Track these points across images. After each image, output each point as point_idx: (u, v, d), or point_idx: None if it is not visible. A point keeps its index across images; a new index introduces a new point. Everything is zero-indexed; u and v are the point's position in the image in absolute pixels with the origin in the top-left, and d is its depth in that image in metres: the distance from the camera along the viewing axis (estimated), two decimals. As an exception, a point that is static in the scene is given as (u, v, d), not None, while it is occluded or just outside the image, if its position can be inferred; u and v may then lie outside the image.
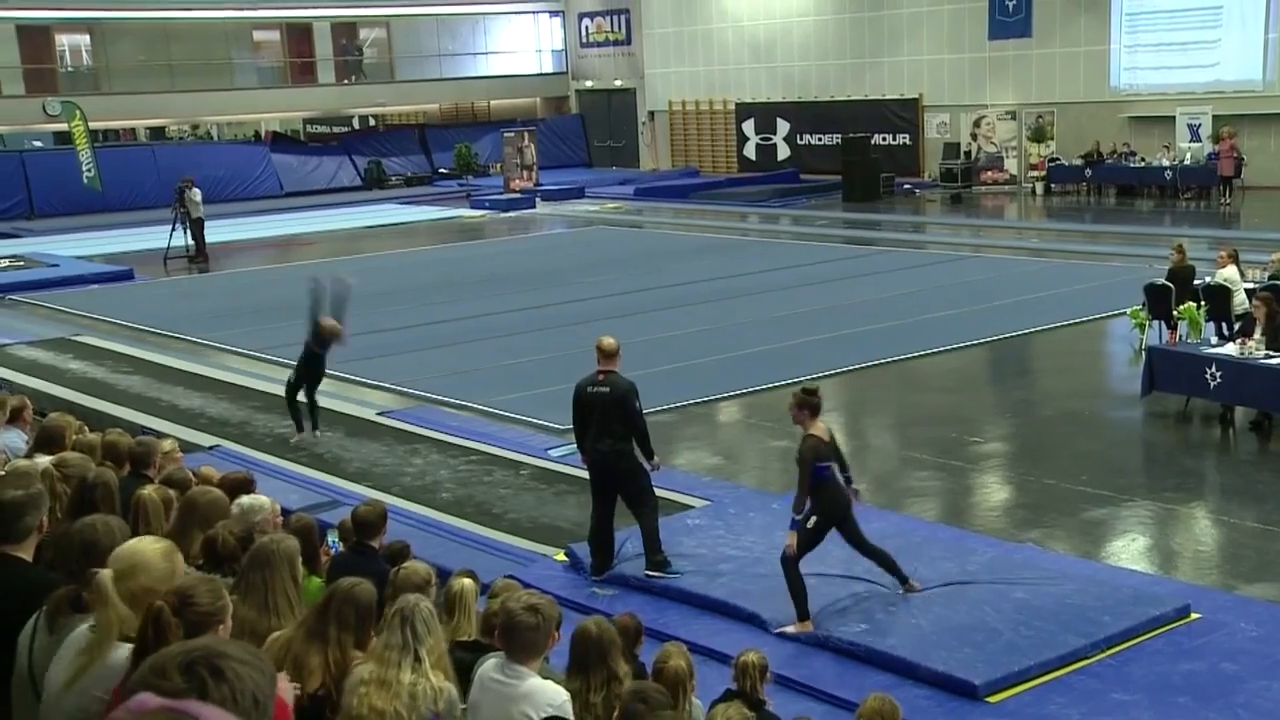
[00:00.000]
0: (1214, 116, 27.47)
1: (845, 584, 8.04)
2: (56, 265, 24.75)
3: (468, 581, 5.27)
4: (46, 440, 6.91)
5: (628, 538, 8.71)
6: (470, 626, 5.11)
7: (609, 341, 8.56)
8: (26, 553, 3.88)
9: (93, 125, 32.82)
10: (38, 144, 38.63)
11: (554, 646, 4.34)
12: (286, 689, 3.07)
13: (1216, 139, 26.84)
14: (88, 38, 37.23)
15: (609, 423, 8.40)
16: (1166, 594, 7.80)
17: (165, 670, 2.07)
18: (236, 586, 4.46)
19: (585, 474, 9.47)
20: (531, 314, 18.12)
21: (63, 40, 37.11)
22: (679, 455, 11.47)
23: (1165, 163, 27.61)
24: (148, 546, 3.51)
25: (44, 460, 6.12)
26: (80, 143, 32.06)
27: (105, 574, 3.35)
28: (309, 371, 12.15)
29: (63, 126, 33.71)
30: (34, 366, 16.13)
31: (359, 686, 3.97)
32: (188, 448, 10.98)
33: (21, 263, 25.30)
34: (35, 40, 35.62)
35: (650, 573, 8.29)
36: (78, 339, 17.86)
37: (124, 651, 3.22)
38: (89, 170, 32.02)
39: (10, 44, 34.97)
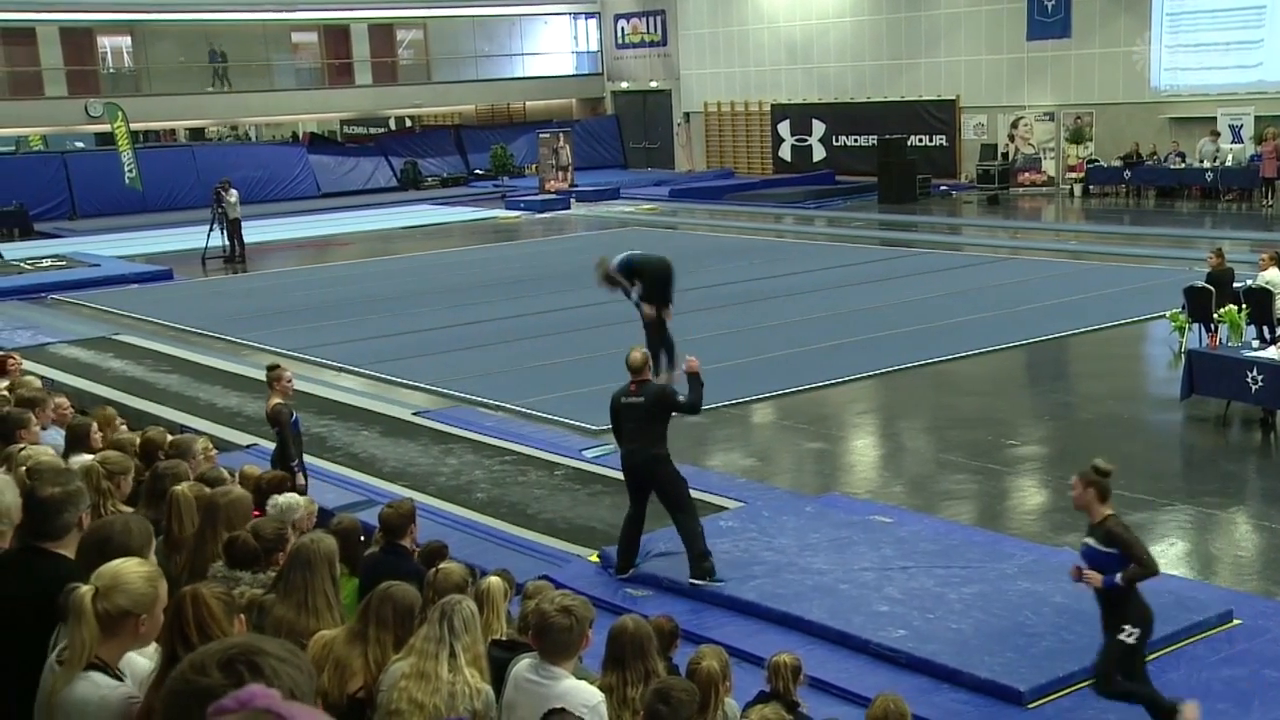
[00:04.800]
0: (1256, 117, 27.15)
1: (880, 588, 8.01)
2: (98, 265, 25.02)
3: (495, 579, 5.28)
4: (74, 441, 6.98)
5: (664, 539, 8.71)
6: (500, 624, 5.12)
7: (636, 356, 8.59)
8: (68, 549, 3.91)
9: (133, 126, 33.17)
10: (79, 145, 39.07)
11: (588, 648, 4.34)
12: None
13: (1259, 140, 26.53)
14: (129, 39, 37.62)
15: (641, 429, 8.42)
16: (1207, 599, 7.72)
17: (205, 667, 2.09)
18: (275, 586, 4.50)
19: (620, 475, 9.47)
20: (566, 315, 18.14)
21: (104, 42, 37.50)
22: (713, 456, 11.47)
23: (1204, 164, 27.29)
24: (132, 568, 3.29)
25: (86, 458, 6.20)
26: (122, 144, 32.42)
27: (84, 590, 3.17)
28: None
29: (104, 127, 34.07)
30: (76, 365, 16.32)
31: (399, 681, 3.99)
32: (225, 446, 11.10)
33: (64, 263, 25.60)
34: (78, 42, 36.01)
35: (694, 581, 8.25)
36: (118, 338, 18.05)
37: (92, 685, 3.09)
38: (130, 171, 32.35)
39: (53, 46, 35.38)
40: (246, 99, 37.62)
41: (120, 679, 3.17)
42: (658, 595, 8.22)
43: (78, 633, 3.13)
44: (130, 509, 5.30)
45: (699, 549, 8.29)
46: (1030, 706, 6.60)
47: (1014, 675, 6.76)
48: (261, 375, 15.12)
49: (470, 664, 4.07)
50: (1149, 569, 6.07)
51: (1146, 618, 6.15)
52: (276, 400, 9.23)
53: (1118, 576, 6.05)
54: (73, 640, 3.15)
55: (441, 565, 5.45)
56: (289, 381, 9.50)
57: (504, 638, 5.04)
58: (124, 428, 8.35)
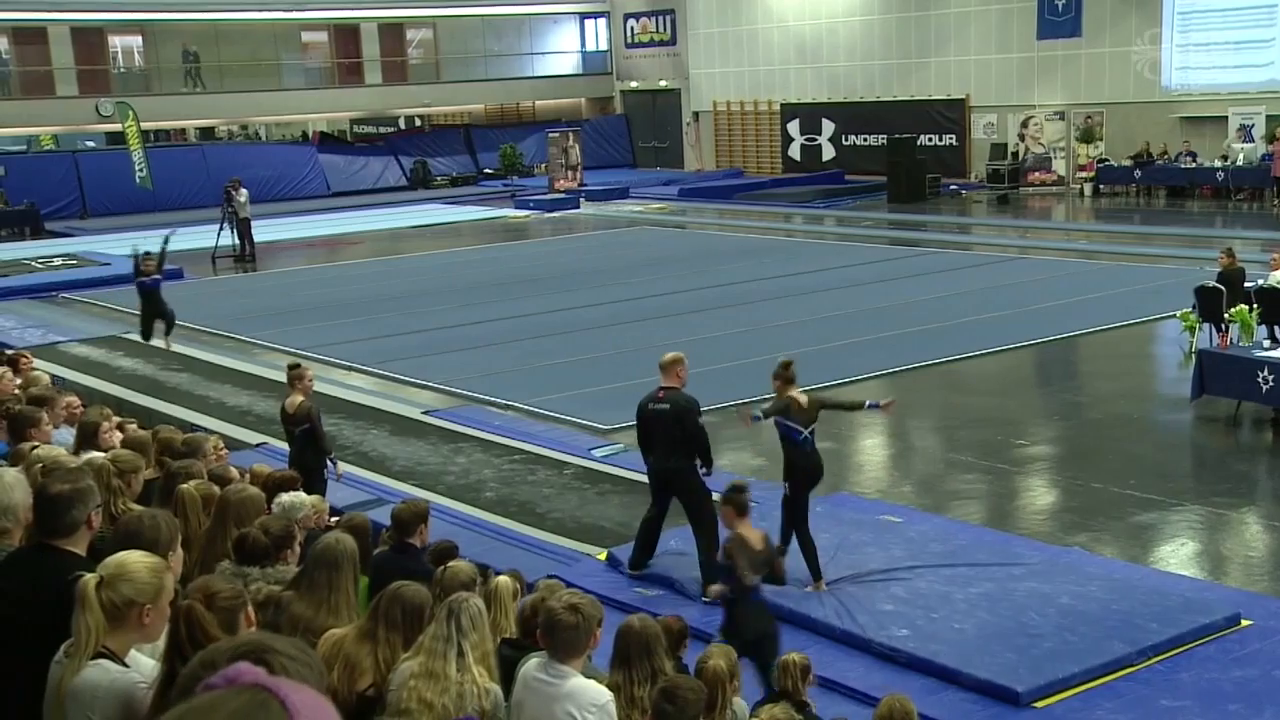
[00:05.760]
0: (1268, 117, 27.07)
1: (885, 588, 8.00)
2: (108, 264, 25.06)
3: (504, 579, 5.28)
4: (84, 439, 6.99)
5: (676, 537, 8.70)
6: (509, 623, 5.12)
7: (667, 356, 8.54)
8: (77, 546, 3.91)
9: (144, 125, 33.26)
10: (90, 144, 39.18)
11: (596, 646, 4.33)
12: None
13: (1270, 139, 26.45)
14: (140, 39, 37.72)
15: (670, 441, 8.35)
16: (1216, 600, 7.70)
17: (215, 664, 2.09)
18: (297, 583, 4.51)
19: (629, 474, 9.46)
20: (575, 314, 18.15)
21: (115, 42, 37.61)
22: (722, 456, 11.40)
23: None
24: (137, 558, 3.35)
25: (95, 455, 6.20)
26: (133, 143, 32.49)
27: (89, 578, 3.23)
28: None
29: (115, 127, 34.16)
30: (86, 363, 16.37)
31: (408, 680, 4.00)
32: (235, 445, 11.11)
33: (74, 261, 25.67)
34: (89, 41, 36.12)
35: (707, 599, 8.23)
36: (128, 337, 18.08)
37: (101, 670, 3.14)
38: (141, 170, 32.43)
39: (64, 45, 35.49)
40: (256, 98, 37.69)
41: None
42: (668, 595, 8.22)
43: (84, 621, 3.19)
44: (140, 507, 5.32)
45: (712, 571, 8.25)
46: (1034, 706, 6.57)
47: (1012, 676, 6.73)
48: (270, 374, 15.24)
49: (478, 662, 4.07)
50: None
51: (743, 638, 6.22)
52: (300, 398, 9.29)
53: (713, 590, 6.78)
54: (79, 629, 3.20)
55: (450, 564, 5.45)
56: (310, 381, 9.57)
57: (513, 636, 5.05)
58: (132, 426, 8.36)
